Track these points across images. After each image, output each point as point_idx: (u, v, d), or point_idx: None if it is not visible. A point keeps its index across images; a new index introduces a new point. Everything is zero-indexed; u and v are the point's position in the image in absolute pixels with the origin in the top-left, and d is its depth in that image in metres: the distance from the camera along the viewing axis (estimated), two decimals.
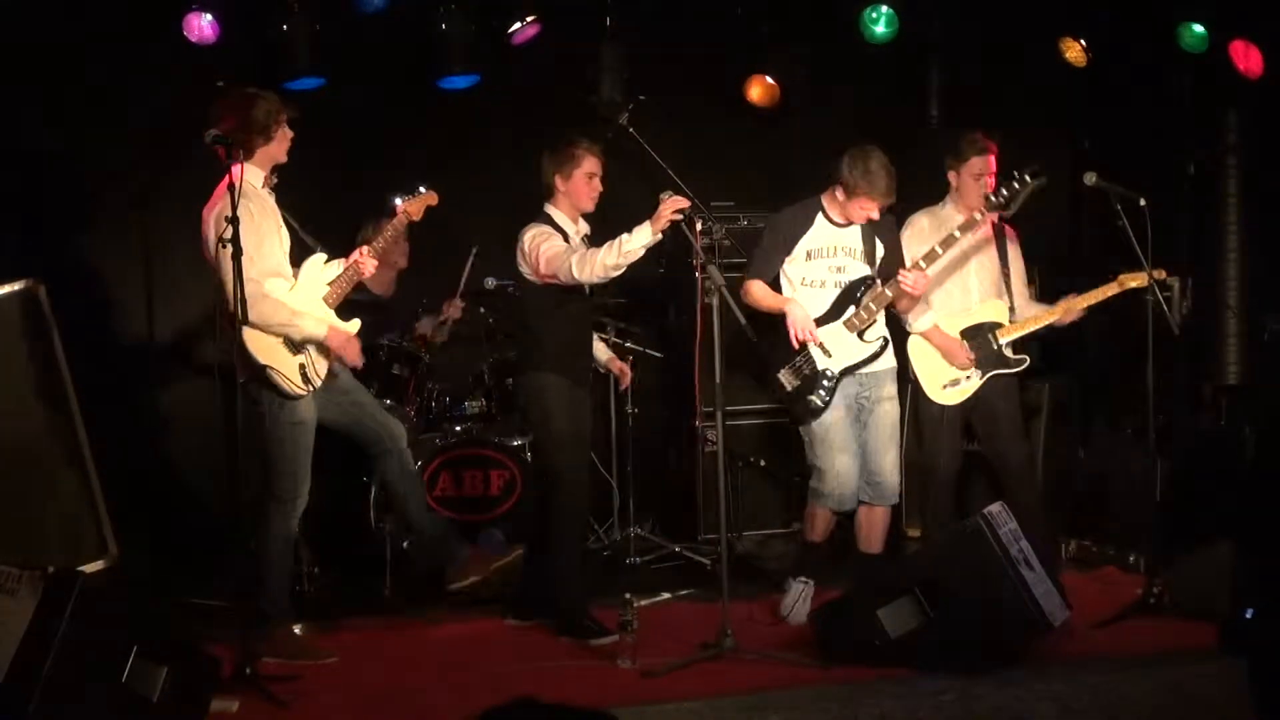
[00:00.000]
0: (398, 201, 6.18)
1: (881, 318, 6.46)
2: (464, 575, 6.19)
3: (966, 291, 6.80)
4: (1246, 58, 8.11)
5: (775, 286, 6.51)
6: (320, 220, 7.02)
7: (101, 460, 6.63)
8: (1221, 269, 8.49)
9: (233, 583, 5.81)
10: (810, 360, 6.38)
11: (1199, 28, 8.08)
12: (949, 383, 6.72)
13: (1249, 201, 8.51)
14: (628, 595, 5.77)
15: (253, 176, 5.71)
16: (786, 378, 6.43)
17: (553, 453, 6.24)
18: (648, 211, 5.85)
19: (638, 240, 5.85)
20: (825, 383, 6.36)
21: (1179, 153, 8.71)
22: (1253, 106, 8.43)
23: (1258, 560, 5.91)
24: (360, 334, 7.05)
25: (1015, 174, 6.33)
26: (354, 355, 5.96)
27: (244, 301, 5.39)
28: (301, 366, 5.78)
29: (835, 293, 6.43)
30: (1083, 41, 8.16)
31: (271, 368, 5.72)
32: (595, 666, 5.71)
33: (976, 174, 6.65)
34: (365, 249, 6.00)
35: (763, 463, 8.01)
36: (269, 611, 5.74)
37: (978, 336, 6.73)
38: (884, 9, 8.09)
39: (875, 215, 6.34)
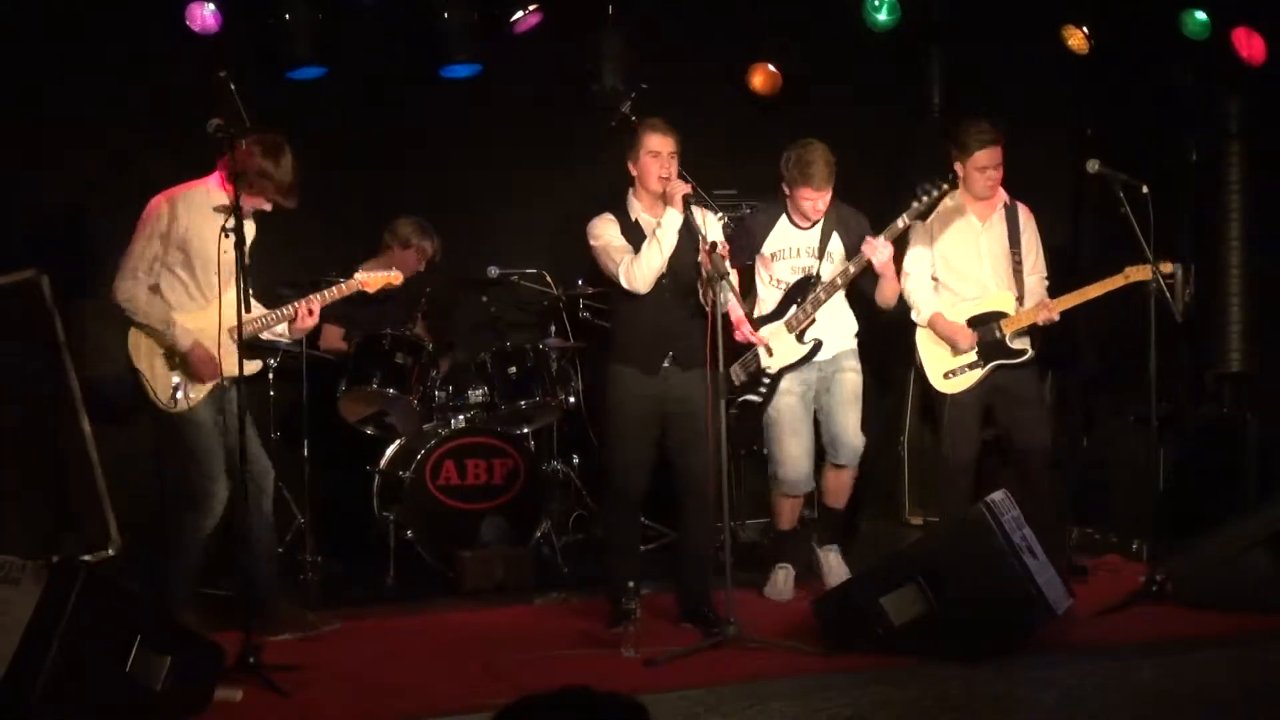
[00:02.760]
0: (361, 273, 6.12)
1: (821, 317, 6.54)
2: (275, 631, 5.79)
3: (980, 279, 6.80)
4: (1249, 45, 8.10)
5: (749, 279, 6.70)
6: (319, 210, 7.04)
7: (104, 448, 6.66)
8: (1224, 256, 8.49)
9: (237, 572, 5.81)
10: (756, 357, 6.55)
11: (1201, 15, 8.08)
12: (950, 372, 6.74)
13: (1251, 189, 8.51)
14: (630, 583, 5.77)
15: (217, 195, 5.69)
16: (736, 372, 6.66)
17: (610, 447, 6.24)
18: None
19: (670, 226, 5.91)
20: (765, 379, 6.57)
21: (1181, 140, 8.71)
22: (1255, 93, 8.42)
23: None
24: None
25: (932, 181, 6.36)
26: (204, 375, 5.70)
27: (248, 293, 5.41)
28: (175, 385, 5.70)
29: None
30: (1085, 29, 8.14)
31: (142, 372, 5.70)
32: (598, 655, 5.70)
33: (981, 166, 6.63)
34: (315, 301, 5.90)
35: (765, 451, 7.99)
36: (173, 603, 5.59)
37: (982, 326, 6.73)
38: None
39: (820, 206, 6.46)
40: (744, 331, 6.41)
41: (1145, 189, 6.32)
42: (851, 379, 6.65)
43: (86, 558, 6.22)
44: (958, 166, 6.70)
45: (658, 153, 6.01)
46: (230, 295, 5.69)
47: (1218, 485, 7.30)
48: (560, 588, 6.78)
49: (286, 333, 5.98)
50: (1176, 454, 7.13)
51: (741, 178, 7.98)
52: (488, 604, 6.60)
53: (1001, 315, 6.73)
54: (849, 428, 6.64)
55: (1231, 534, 6.21)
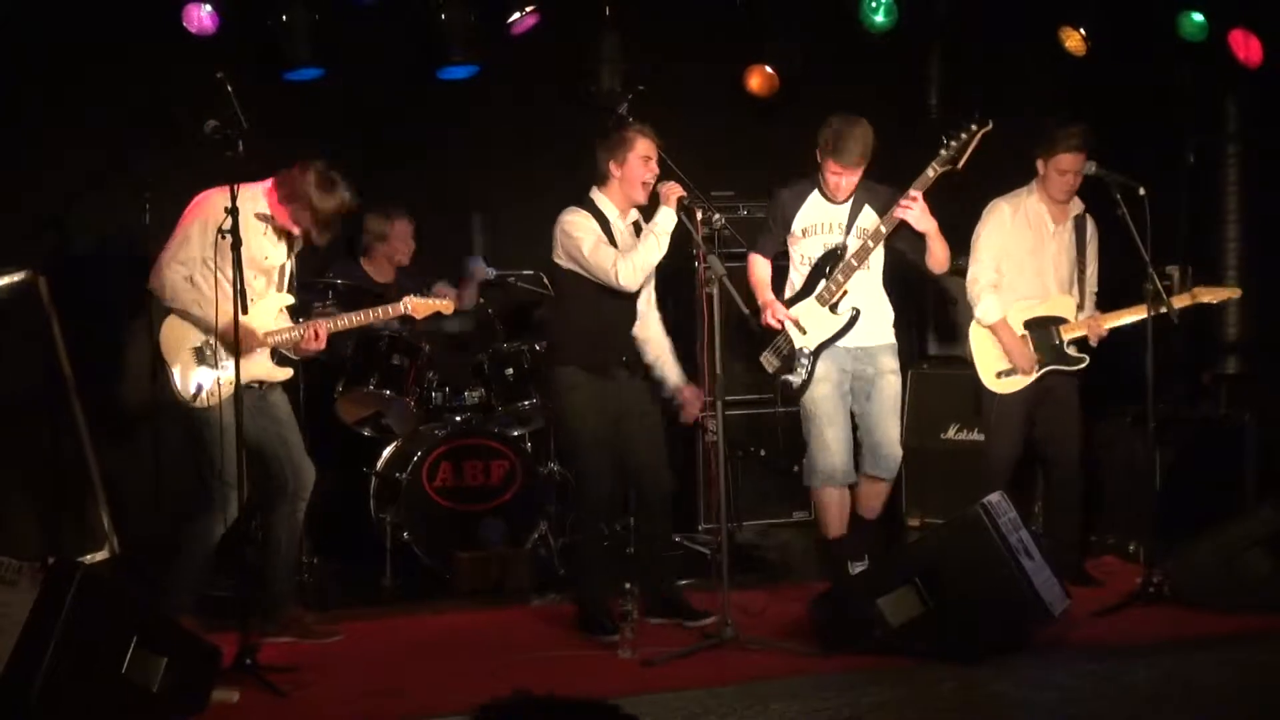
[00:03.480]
0: (409, 299, 6.19)
1: (854, 287, 6.44)
2: (276, 632, 5.84)
3: (1044, 281, 6.77)
4: (1246, 46, 8.11)
5: (781, 264, 6.64)
6: None
7: (102, 450, 6.65)
8: (1221, 258, 8.50)
9: (235, 573, 5.81)
10: (788, 340, 6.49)
11: (1198, 16, 8.09)
12: (1004, 371, 6.73)
13: (1248, 190, 8.51)
14: (628, 585, 5.77)
15: (263, 203, 5.75)
16: (768, 359, 6.58)
17: (577, 455, 6.20)
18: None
19: (667, 226, 5.92)
20: (803, 360, 6.47)
21: (1179, 141, 8.71)
22: (1252, 95, 8.43)
23: None
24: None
25: (959, 125, 6.27)
26: (252, 344, 5.69)
27: (243, 293, 5.40)
28: (199, 382, 5.71)
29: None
30: (1082, 30, 8.15)
31: (169, 365, 5.72)
32: (595, 656, 5.71)
33: (1063, 170, 6.60)
34: (323, 325, 5.91)
35: (763, 452, 8.01)
36: (174, 606, 5.56)
37: (1041, 329, 6.72)
38: None
39: (844, 185, 6.40)
40: (770, 314, 6.42)
41: (1142, 191, 6.32)
42: (893, 384, 6.53)
43: (83, 559, 6.21)
44: (1039, 164, 6.68)
45: (649, 156, 6.03)
46: (269, 300, 5.80)
47: (1215, 486, 7.30)
48: (557, 589, 6.76)
49: (293, 353, 6.00)
50: (1174, 455, 7.12)
51: (738, 179, 7.99)
52: (485, 605, 6.60)
53: (1061, 320, 6.73)
54: (892, 439, 6.54)
55: (1230, 534, 6.22)
